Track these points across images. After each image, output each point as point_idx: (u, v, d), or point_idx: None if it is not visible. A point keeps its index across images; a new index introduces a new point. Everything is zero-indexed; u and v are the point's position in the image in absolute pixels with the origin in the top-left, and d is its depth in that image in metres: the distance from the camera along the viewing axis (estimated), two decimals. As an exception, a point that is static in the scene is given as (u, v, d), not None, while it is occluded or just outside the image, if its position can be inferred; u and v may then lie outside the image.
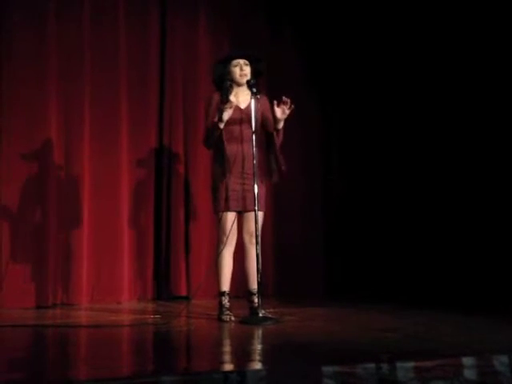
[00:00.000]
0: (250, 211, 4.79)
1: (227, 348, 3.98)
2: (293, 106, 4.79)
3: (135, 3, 6.32)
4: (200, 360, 3.58)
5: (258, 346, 3.97)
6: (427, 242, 6.66)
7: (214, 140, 4.87)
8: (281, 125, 4.89)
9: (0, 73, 5.78)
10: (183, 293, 6.30)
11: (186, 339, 4.35)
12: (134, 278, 6.20)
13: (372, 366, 3.12)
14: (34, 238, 5.77)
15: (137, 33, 6.32)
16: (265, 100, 4.99)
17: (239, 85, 4.94)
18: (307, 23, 6.95)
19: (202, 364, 3.43)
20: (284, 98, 4.77)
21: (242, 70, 4.90)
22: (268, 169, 4.99)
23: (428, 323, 4.62)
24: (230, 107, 4.75)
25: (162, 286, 6.33)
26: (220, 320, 4.77)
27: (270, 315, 4.73)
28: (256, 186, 4.69)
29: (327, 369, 3.06)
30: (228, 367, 3.33)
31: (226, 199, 4.83)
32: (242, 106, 4.91)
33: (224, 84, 4.91)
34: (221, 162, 4.87)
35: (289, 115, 4.82)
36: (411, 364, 3.17)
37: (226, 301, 4.84)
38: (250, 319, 4.64)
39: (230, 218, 4.83)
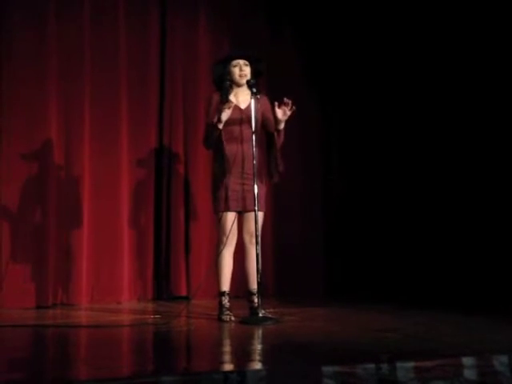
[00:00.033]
0: (250, 211, 4.80)
1: (227, 348, 3.98)
2: (294, 108, 4.79)
3: (135, 3, 6.32)
4: (200, 360, 3.58)
5: (258, 346, 3.97)
6: (427, 242, 6.66)
7: (214, 140, 4.87)
8: (282, 126, 4.89)
9: (0, 73, 5.78)
10: (183, 293, 6.30)
11: (186, 339, 4.35)
12: (134, 278, 6.20)
13: (372, 366, 3.12)
14: (34, 237, 5.77)
15: (137, 33, 6.32)
16: (265, 100, 4.99)
17: (239, 85, 4.94)
18: (307, 23, 6.95)
19: (202, 364, 3.44)
20: (285, 99, 4.77)
21: (242, 70, 4.90)
22: (268, 169, 5.00)
23: (428, 323, 4.62)
24: (229, 107, 4.75)
25: (162, 286, 6.33)
26: (220, 320, 4.77)
27: (269, 315, 4.73)
28: (256, 187, 4.69)
29: (327, 369, 3.06)
30: (228, 367, 3.33)
31: (226, 199, 4.83)
32: (242, 106, 4.91)
33: (223, 84, 4.91)
34: (221, 162, 4.87)
35: (290, 116, 4.82)
36: (411, 364, 3.17)
37: (225, 301, 4.84)
38: (250, 319, 4.64)
39: (230, 218, 4.83)
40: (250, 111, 4.76)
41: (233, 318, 4.75)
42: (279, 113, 4.81)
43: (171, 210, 6.37)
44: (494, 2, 6.25)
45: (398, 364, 3.15)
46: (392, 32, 6.89)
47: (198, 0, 6.57)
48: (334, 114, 7.04)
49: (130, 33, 6.27)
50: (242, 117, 4.86)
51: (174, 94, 6.44)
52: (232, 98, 4.91)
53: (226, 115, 4.76)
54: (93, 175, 6.04)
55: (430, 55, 6.71)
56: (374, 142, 7.00)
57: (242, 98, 4.93)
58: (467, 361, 3.24)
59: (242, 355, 3.64)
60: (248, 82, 4.86)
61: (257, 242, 4.68)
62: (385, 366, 3.13)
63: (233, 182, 4.84)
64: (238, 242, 4.92)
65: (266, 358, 3.55)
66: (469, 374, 3.22)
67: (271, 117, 4.92)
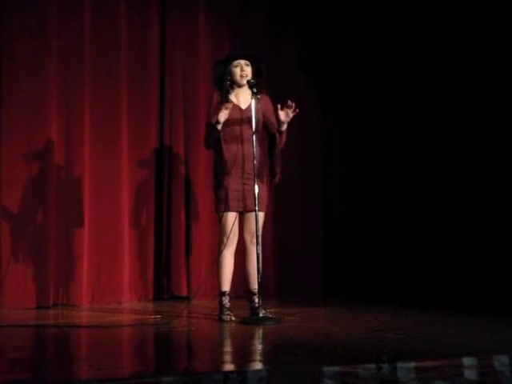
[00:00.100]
0: (250, 211, 4.80)
1: (228, 348, 3.98)
2: (297, 110, 4.79)
3: (135, 3, 6.32)
4: (200, 360, 3.58)
5: (258, 346, 3.97)
6: (427, 242, 6.66)
7: (214, 140, 4.88)
8: (284, 127, 4.89)
9: (0, 72, 5.77)
10: (184, 293, 6.30)
11: (186, 339, 4.35)
12: (135, 278, 6.20)
13: (372, 366, 3.12)
14: (35, 238, 5.77)
15: (137, 33, 6.32)
16: (266, 100, 4.99)
17: (240, 85, 4.94)
18: (307, 23, 6.95)
19: (202, 364, 3.44)
20: (289, 101, 4.77)
21: (243, 70, 4.91)
22: (269, 169, 5.00)
23: (428, 323, 4.63)
24: (227, 108, 4.76)
25: (163, 286, 6.33)
26: (220, 320, 4.77)
27: (270, 315, 4.73)
28: (256, 187, 4.70)
29: (328, 369, 3.06)
30: (228, 367, 3.33)
31: (227, 199, 4.83)
32: (243, 106, 4.92)
33: (223, 84, 4.92)
34: (221, 163, 4.87)
35: (292, 118, 4.83)
36: (412, 364, 3.17)
37: (226, 301, 4.84)
38: (251, 319, 4.65)
39: (231, 218, 4.83)
40: (251, 111, 4.76)
41: (233, 318, 4.75)
42: (282, 115, 4.81)
43: (172, 210, 6.37)
44: (494, 1, 6.25)
45: (399, 364, 3.15)
46: (391, 31, 6.90)
47: (198, 0, 6.57)
48: (334, 114, 7.04)
49: (130, 33, 6.27)
50: (242, 117, 4.87)
51: (174, 94, 6.44)
52: (233, 98, 4.92)
53: (224, 115, 4.77)
54: (93, 175, 6.04)
55: (430, 55, 6.72)
56: (375, 142, 7.01)
57: (243, 98, 4.93)
58: (467, 361, 3.24)
59: (243, 355, 3.64)
60: (248, 82, 4.86)
61: (257, 242, 4.68)
62: (385, 366, 3.13)
63: (233, 182, 4.84)
64: (239, 242, 4.92)
65: (266, 358, 3.56)
66: (469, 374, 3.22)
67: (273, 117, 4.92)
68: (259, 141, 4.88)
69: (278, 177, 5.03)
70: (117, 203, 6.11)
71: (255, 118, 4.74)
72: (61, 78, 5.95)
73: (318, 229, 6.95)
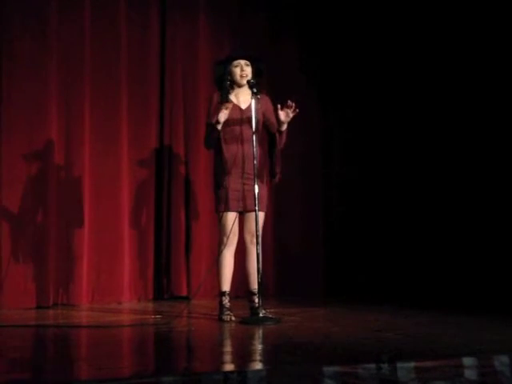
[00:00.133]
0: (250, 211, 4.80)
1: (228, 348, 3.98)
2: (297, 110, 4.79)
3: (135, 3, 6.32)
4: (200, 360, 3.58)
5: (258, 346, 3.97)
6: (427, 242, 6.66)
7: (213, 140, 4.88)
8: (284, 127, 4.89)
9: (0, 72, 5.77)
10: (184, 293, 6.30)
11: (186, 339, 4.35)
12: (135, 278, 6.20)
13: (372, 366, 3.12)
14: (35, 238, 5.77)
15: (137, 33, 6.32)
16: (267, 100, 4.99)
17: (240, 85, 4.94)
18: (307, 23, 6.95)
19: (202, 364, 3.43)
20: (289, 102, 4.77)
21: (243, 70, 4.91)
22: (269, 169, 5.00)
23: (428, 323, 4.63)
24: (226, 108, 4.76)
25: (163, 286, 6.33)
26: (220, 320, 4.77)
27: (270, 315, 4.73)
28: (256, 187, 4.70)
29: (328, 369, 3.06)
30: (228, 367, 3.33)
31: (227, 199, 4.83)
32: (243, 106, 4.92)
33: (223, 84, 4.92)
34: (221, 163, 4.87)
35: (292, 118, 4.83)
36: (412, 364, 3.17)
37: (226, 301, 4.84)
38: (251, 319, 4.65)
39: (231, 218, 4.83)
40: (251, 111, 4.76)
41: (233, 318, 4.75)
42: (282, 115, 4.81)
43: (172, 210, 6.37)
44: (494, 1, 6.25)
45: (399, 364, 3.15)
46: (391, 31, 6.90)
47: (198, 0, 6.57)
48: (334, 114, 7.04)
49: (130, 33, 6.27)
50: (242, 117, 4.87)
51: (174, 94, 6.44)
52: (233, 98, 4.92)
53: (223, 116, 4.77)
54: (93, 175, 6.04)
55: (430, 55, 6.71)
56: (374, 142, 7.00)
57: (243, 98, 4.93)
58: (468, 361, 3.24)
59: (243, 355, 3.64)
60: (248, 82, 4.86)
61: (257, 242, 4.68)
62: (385, 366, 3.13)
63: (233, 182, 4.84)
64: (239, 242, 4.92)
65: (266, 358, 3.56)
66: (469, 374, 3.22)
67: (273, 117, 4.92)
68: (259, 141, 4.88)
69: (277, 177, 5.03)
70: (117, 203, 6.11)
71: (255, 117, 4.74)
72: (61, 78, 5.95)
73: (318, 229, 6.95)
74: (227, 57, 5.05)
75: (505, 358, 3.29)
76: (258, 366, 3.37)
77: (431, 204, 6.70)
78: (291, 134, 5.01)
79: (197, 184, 6.42)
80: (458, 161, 6.54)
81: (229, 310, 4.82)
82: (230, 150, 4.86)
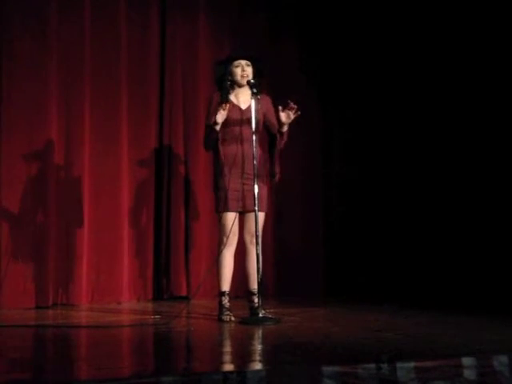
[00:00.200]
0: (250, 211, 4.80)
1: (227, 348, 3.98)
2: (299, 112, 4.78)
3: (135, 3, 6.32)
4: (200, 360, 3.58)
5: (258, 347, 3.97)
6: (427, 243, 6.66)
7: (212, 141, 4.88)
8: (285, 128, 4.89)
9: (0, 72, 5.77)
10: (183, 293, 6.30)
11: (185, 339, 4.35)
12: (134, 278, 6.20)
13: (372, 366, 3.12)
14: (35, 238, 5.77)
15: (137, 33, 6.32)
16: (267, 100, 4.99)
17: (240, 85, 4.94)
18: (307, 23, 6.95)
19: (202, 364, 3.43)
20: (291, 103, 4.77)
21: (244, 70, 4.90)
22: (269, 169, 5.00)
23: (428, 323, 4.63)
24: (224, 109, 4.75)
25: (162, 286, 6.33)
26: (220, 320, 4.77)
27: (270, 315, 4.73)
28: (256, 187, 4.69)
29: (327, 369, 3.06)
30: (228, 367, 3.33)
31: (226, 199, 4.83)
32: (243, 106, 4.91)
33: (224, 84, 4.92)
34: (221, 163, 4.87)
35: (293, 120, 4.82)
36: (411, 364, 3.17)
37: (226, 301, 4.84)
38: (250, 319, 4.65)
39: (230, 218, 4.83)
40: (251, 111, 4.76)
41: (233, 319, 4.75)
42: (283, 116, 4.81)
43: (171, 210, 6.37)
44: (494, 1, 6.25)
45: (399, 364, 3.15)
46: (391, 31, 6.90)
47: (198, 0, 6.57)
48: (334, 114, 7.04)
49: (130, 33, 6.27)
50: (242, 117, 4.87)
51: (174, 94, 6.44)
52: (233, 98, 4.92)
53: (221, 116, 4.77)
54: (93, 175, 6.04)
55: (430, 55, 6.72)
56: (374, 142, 7.00)
57: (243, 98, 4.93)
58: (467, 361, 3.24)
59: (242, 355, 3.64)
60: (248, 82, 4.86)
61: (257, 243, 4.68)
62: (385, 366, 3.13)
63: (233, 182, 4.84)
64: (239, 242, 4.92)
65: (266, 359, 3.56)
66: (468, 374, 3.22)
67: (273, 118, 4.92)
68: (259, 141, 4.88)
69: (277, 177, 5.03)
70: (116, 203, 6.11)
71: (255, 118, 4.74)
72: (61, 78, 5.95)
73: (318, 229, 6.95)
74: (228, 57, 5.05)
75: (504, 358, 3.29)
76: (258, 366, 3.37)
77: (431, 204, 6.70)
78: (291, 134, 5.01)
79: (196, 184, 6.42)
80: (458, 161, 6.54)
81: (228, 310, 4.81)
82: (229, 150, 4.85)
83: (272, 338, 4.18)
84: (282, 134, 4.93)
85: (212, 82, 5.23)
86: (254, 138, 4.73)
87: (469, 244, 6.36)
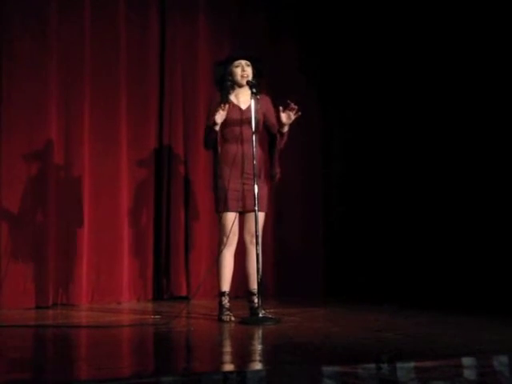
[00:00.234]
0: (250, 211, 4.80)
1: (227, 348, 3.98)
2: (299, 113, 4.78)
3: (135, 3, 6.32)
4: (200, 360, 3.58)
5: (258, 347, 3.97)
6: (427, 243, 6.65)
7: (212, 141, 4.88)
8: (286, 129, 4.89)
9: (0, 72, 5.77)
10: (183, 293, 6.30)
11: (185, 339, 4.35)
12: (134, 278, 6.20)
13: (372, 366, 3.13)
14: (34, 238, 5.77)
15: (137, 33, 6.32)
16: (267, 101, 4.99)
17: (240, 85, 4.94)
18: (307, 23, 6.95)
19: (202, 364, 3.43)
20: (292, 104, 4.77)
21: (244, 70, 4.91)
22: (269, 170, 5.00)
23: (428, 323, 4.63)
24: (223, 109, 4.75)
25: (162, 286, 6.33)
26: (220, 320, 4.77)
27: (270, 315, 4.73)
28: (256, 187, 4.69)
29: (327, 369, 3.06)
30: (228, 367, 3.33)
31: (226, 199, 4.83)
32: (243, 106, 4.91)
33: (224, 84, 4.92)
34: (221, 163, 4.87)
35: (294, 120, 4.82)
36: (411, 364, 3.17)
37: (226, 301, 4.84)
38: (250, 319, 4.65)
39: (230, 218, 4.83)
40: (251, 111, 4.76)
41: (233, 319, 4.75)
42: (284, 117, 4.81)
43: (171, 210, 6.37)
44: (494, 1, 6.25)
45: (399, 364, 3.15)
46: (391, 31, 6.89)
47: (197, 0, 6.56)
48: (334, 114, 7.04)
49: (129, 33, 6.27)
50: (242, 117, 4.87)
51: (174, 94, 6.44)
52: (233, 98, 4.92)
53: (220, 117, 4.77)
54: (93, 175, 6.04)
55: (429, 55, 6.71)
56: (375, 142, 7.00)
57: (243, 98, 4.93)
58: (467, 361, 3.24)
59: (242, 355, 3.64)
60: (248, 82, 4.86)
61: (257, 243, 4.68)
62: (385, 366, 3.13)
63: (233, 182, 4.84)
64: (239, 243, 4.92)
65: (266, 359, 3.56)
66: (469, 374, 3.22)
67: (273, 118, 4.93)
68: (259, 141, 4.88)
69: (277, 177, 5.03)
70: (116, 203, 6.11)
71: (255, 118, 4.74)
72: (61, 78, 5.95)
73: (318, 229, 6.95)
74: (228, 57, 5.05)
75: (504, 358, 3.29)
76: (258, 366, 3.37)
77: (431, 204, 6.70)
78: (291, 134, 5.01)
79: (196, 184, 6.42)
80: (458, 161, 6.54)
81: (228, 310, 4.81)
82: (229, 150, 4.86)
83: (272, 338, 4.18)
84: (282, 134, 4.93)
85: (212, 83, 5.23)
86: (253, 138, 4.74)
87: (468, 244, 6.36)
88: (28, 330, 4.56)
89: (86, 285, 5.95)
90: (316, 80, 6.93)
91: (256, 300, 4.72)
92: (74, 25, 6.01)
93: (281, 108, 4.81)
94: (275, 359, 3.54)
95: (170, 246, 6.35)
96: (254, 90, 4.78)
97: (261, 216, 4.79)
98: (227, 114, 4.80)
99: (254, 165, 4.72)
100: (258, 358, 3.58)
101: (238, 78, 4.92)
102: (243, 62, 4.93)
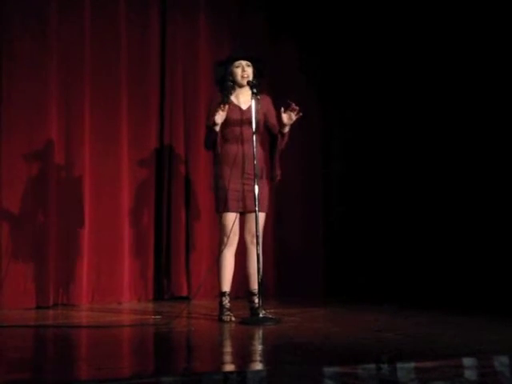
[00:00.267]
0: (251, 212, 4.80)
1: (228, 348, 3.98)
2: (301, 114, 4.78)
3: (135, 3, 6.32)
4: (200, 360, 3.58)
5: (258, 347, 3.97)
6: (427, 243, 6.65)
7: (212, 141, 4.88)
8: (286, 129, 4.89)
9: (0, 72, 5.77)
10: (184, 293, 6.30)
11: (186, 340, 4.35)
12: (135, 278, 6.20)
13: (372, 366, 3.12)
14: (35, 238, 5.77)
15: (137, 33, 6.32)
16: (268, 101, 4.99)
17: (241, 86, 4.94)
18: (307, 23, 6.95)
19: (202, 364, 3.44)
20: (293, 105, 4.76)
21: (244, 70, 4.91)
22: (269, 170, 5.00)
23: (428, 323, 4.63)
24: (223, 110, 4.75)
25: (163, 286, 6.33)
26: (220, 320, 4.77)
27: (270, 316, 4.73)
28: (256, 187, 4.69)
29: (328, 369, 3.06)
30: (228, 368, 3.33)
31: (226, 200, 4.83)
32: (243, 106, 4.91)
33: (225, 84, 4.92)
34: (221, 163, 4.87)
35: (295, 121, 4.82)
36: (412, 365, 3.17)
37: (226, 301, 4.84)
38: (251, 320, 4.65)
39: (231, 218, 4.83)
40: (251, 112, 4.76)
41: (233, 319, 4.75)
42: (285, 117, 4.81)
43: (172, 210, 6.37)
44: (494, 1, 6.25)
45: (399, 364, 3.15)
46: (391, 31, 6.89)
47: (198, 0, 6.57)
48: (334, 114, 7.04)
49: (130, 33, 6.27)
50: (242, 117, 4.87)
51: (174, 94, 6.44)
52: (233, 98, 4.92)
53: (220, 117, 4.76)
54: (93, 175, 6.04)
55: (429, 55, 6.71)
56: (375, 142, 7.00)
57: (244, 98, 4.93)
58: (467, 361, 3.24)
59: (243, 356, 3.64)
60: (249, 82, 4.86)
61: (257, 243, 4.68)
62: (385, 367, 3.13)
63: (233, 183, 4.84)
64: (240, 243, 4.92)
65: (266, 359, 3.56)
66: (469, 374, 3.22)
67: (274, 119, 4.93)
68: (260, 141, 4.89)
69: (277, 177, 5.03)
70: (117, 203, 6.11)
71: (255, 118, 4.74)
72: (61, 78, 5.95)
73: (318, 229, 6.95)
74: (228, 57, 5.05)
75: (504, 359, 3.29)
76: (258, 366, 3.37)
77: (431, 204, 6.70)
78: (291, 134, 5.01)
79: (197, 184, 6.42)
80: (459, 161, 6.54)
81: (229, 310, 4.82)
82: (230, 151, 4.86)
83: (272, 338, 4.18)
84: (283, 134, 4.93)
85: (212, 82, 5.23)
86: (254, 138, 4.74)
87: (468, 244, 6.36)
88: (28, 330, 4.56)
89: (86, 285, 5.95)
90: (316, 80, 6.93)
91: (256, 300, 4.72)
92: (74, 25, 6.01)
93: (282, 109, 4.81)
94: (275, 359, 3.53)
95: (171, 246, 6.35)
96: (255, 91, 4.78)
97: (261, 216, 4.78)
98: (227, 114, 4.80)
99: (254, 165, 4.72)
100: (258, 358, 3.58)
101: (239, 78, 4.92)
102: (244, 62, 4.93)
